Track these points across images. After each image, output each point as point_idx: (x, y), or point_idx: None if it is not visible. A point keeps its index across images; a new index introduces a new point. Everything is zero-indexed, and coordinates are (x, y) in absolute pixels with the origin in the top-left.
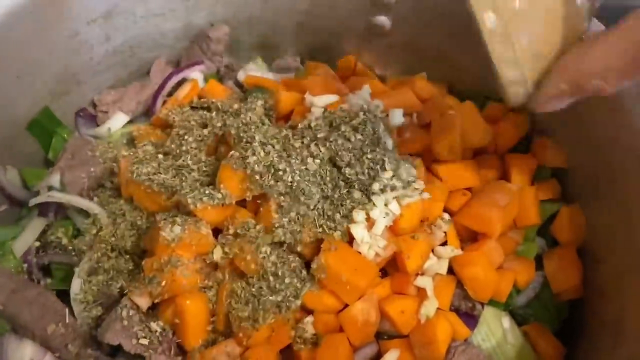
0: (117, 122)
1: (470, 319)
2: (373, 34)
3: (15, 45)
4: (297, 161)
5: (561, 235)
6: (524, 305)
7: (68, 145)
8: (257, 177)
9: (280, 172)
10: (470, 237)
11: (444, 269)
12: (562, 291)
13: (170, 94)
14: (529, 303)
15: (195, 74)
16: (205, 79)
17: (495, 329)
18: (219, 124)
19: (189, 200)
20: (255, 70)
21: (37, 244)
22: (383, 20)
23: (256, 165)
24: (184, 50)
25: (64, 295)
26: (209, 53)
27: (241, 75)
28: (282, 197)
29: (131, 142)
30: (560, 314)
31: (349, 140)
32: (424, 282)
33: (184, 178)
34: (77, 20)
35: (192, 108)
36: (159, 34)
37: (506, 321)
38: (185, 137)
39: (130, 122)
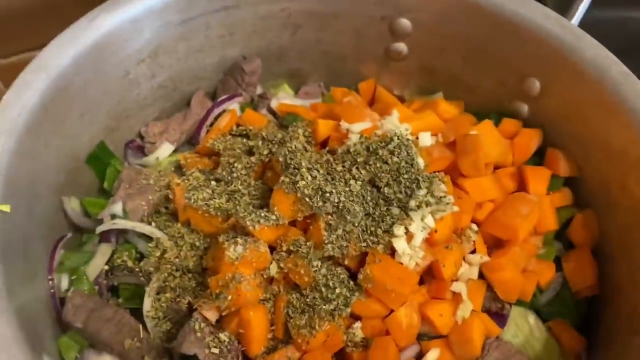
0: (164, 151)
1: (500, 318)
2: (391, 59)
3: (80, 88)
4: (341, 183)
5: (576, 238)
6: (547, 303)
7: (123, 175)
8: (307, 199)
9: (327, 194)
10: (496, 244)
11: (475, 275)
12: (580, 289)
13: (210, 124)
14: (551, 301)
15: (234, 105)
16: (241, 108)
17: (523, 325)
18: (265, 152)
19: (248, 223)
20: (286, 98)
21: (106, 267)
22: (401, 46)
23: (305, 189)
24: (219, 82)
25: (134, 313)
26: (243, 84)
27: (274, 103)
28: (329, 216)
29: (178, 169)
30: (580, 310)
31: (386, 162)
32: (459, 287)
33: (237, 202)
34: (128, 61)
35: (232, 135)
36: (198, 69)
37: (532, 318)
38: (235, 164)
39: (174, 151)
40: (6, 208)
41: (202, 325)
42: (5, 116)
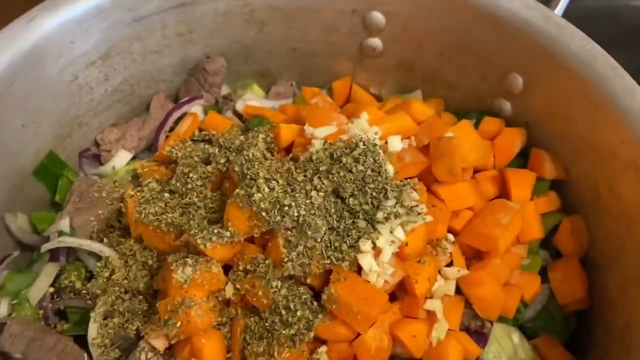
0: (120, 160)
1: (481, 336)
2: (366, 55)
3: (19, 96)
4: (301, 195)
5: (564, 246)
6: (532, 318)
7: (74, 187)
8: (264, 214)
9: (286, 208)
10: (475, 255)
11: (451, 290)
12: (569, 302)
13: (171, 129)
14: (536, 316)
15: (196, 107)
16: (205, 111)
17: (506, 345)
18: (222, 161)
19: (199, 241)
20: (253, 100)
21: (52, 289)
22: (375, 42)
23: (262, 203)
24: (182, 83)
25: (81, 340)
26: (206, 85)
27: (240, 106)
28: (289, 231)
29: (136, 178)
30: (568, 325)
31: (350, 171)
32: (433, 305)
33: (191, 216)
34: (76, 65)
35: (194, 141)
36: (157, 70)
37: (516, 336)
38: (190, 174)
39: (133, 158)
40: None
41: (150, 355)
42: None
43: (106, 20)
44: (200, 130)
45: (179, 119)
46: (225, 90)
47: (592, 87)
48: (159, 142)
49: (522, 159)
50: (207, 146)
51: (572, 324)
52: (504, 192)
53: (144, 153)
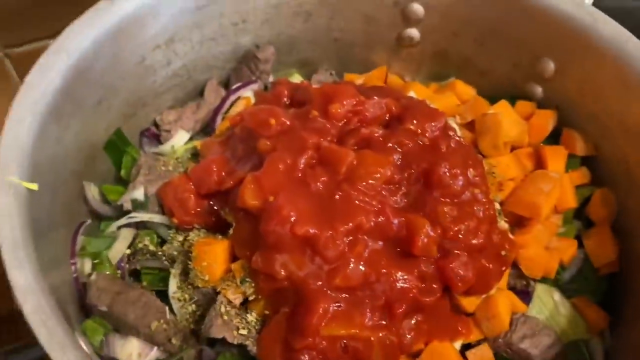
0: (179, 139)
1: (525, 295)
2: (403, 45)
3: (98, 73)
4: None
5: (596, 215)
6: (569, 280)
7: (141, 162)
8: None
9: None
10: (517, 222)
11: None
12: (602, 266)
13: (226, 111)
14: (573, 278)
15: (248, 92)
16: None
17: (547, 302)
18: None
19: None
20: None
21: (128, 251)
22: (413, 32)
23: None
24: (232, 70)
25: (158, 296)
26: (257, 72)
27: None
28: None
29: (195, 157)
30: (601, 287)
31: None
32: None
33: None
34: (144, 47)
35: None
36: (211, 57)
37: (556, 295)
38: None
39: (190, 139)
40: (34, 186)
41: (228, 308)
42: (30, 96)
43: (173, 7)
44: None
45: (232, 102)
46: (271, 78)
47: (624, 69)
48: (217, 123)
49: (553, 140)
50: None
51: (604, 286)
52: (539, 168)
53: (199, 135)
